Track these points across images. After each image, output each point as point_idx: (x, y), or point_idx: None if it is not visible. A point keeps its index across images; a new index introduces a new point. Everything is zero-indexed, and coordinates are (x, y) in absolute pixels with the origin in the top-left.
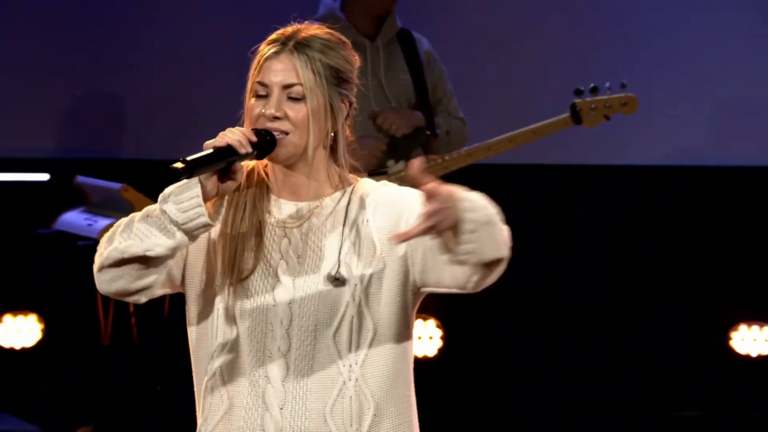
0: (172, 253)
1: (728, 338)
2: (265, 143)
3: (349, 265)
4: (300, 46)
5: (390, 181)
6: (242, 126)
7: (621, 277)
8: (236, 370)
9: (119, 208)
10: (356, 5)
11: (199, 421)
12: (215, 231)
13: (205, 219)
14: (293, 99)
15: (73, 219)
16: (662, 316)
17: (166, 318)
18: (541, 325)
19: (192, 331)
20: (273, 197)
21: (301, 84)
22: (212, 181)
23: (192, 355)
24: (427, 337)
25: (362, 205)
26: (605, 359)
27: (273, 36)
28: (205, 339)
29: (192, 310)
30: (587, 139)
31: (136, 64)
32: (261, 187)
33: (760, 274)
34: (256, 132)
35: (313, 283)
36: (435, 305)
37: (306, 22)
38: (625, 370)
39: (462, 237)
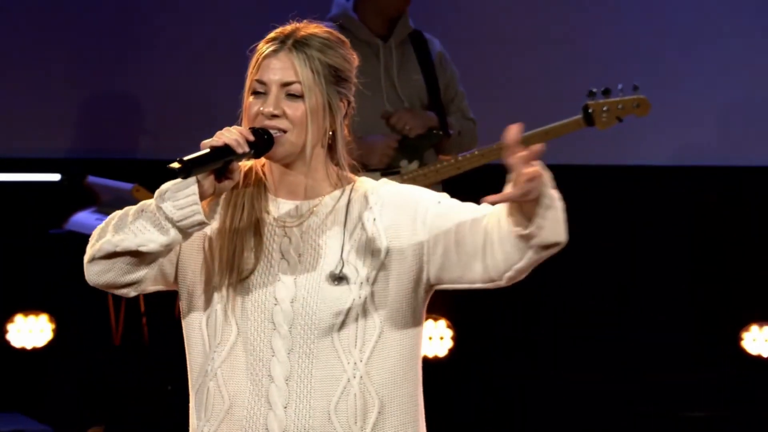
0: (165, 249)
1: (739, 338)
2: (262, 142)
3: (352, 263)
4: (299, 44)
5: (403, 180)
6: (241, 125)
7: (632, 277)
8: (236, 370)
9: None
10: (369, 6)
11: (194, 420)
12: (212, 230)
13: (200, 217)
14: (291, 97)
15: (85, 219)
16: (673, 316)
17: (177, 318)
18: (551, 326)
19: (187, 330)
20: (271, 196)
21: (299, 82)
22: (209, 180)
23: (187, 354)
24: (438, 338)
25: (365, 203)
26: (614, 360)
27: (272, 34)
28: (202, 338)
29: (187, 308)
30: (596, 139)
31: (147, 64)
32: (259, 187)
33: None
34: (254, 131)
35: (315, 281)
36: (446, 306)
37: (305, 20)
38: (635, 370)
39: (539, 211)
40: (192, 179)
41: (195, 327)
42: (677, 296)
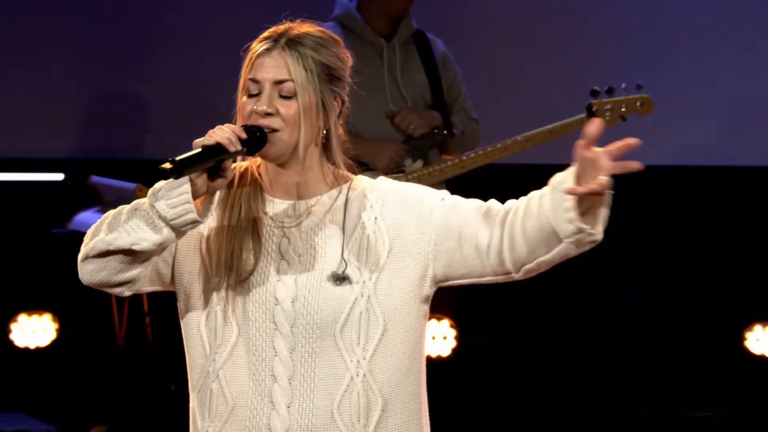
0: (158, 248)
1: (743, 338)
2: (255, 139)
3: (353, 263)
4: (292, 43)
5: (408, 180)
6: (236, 124)
7: (634, 277)
8: (238, 370)
9: None
10: (373, 6)
11: (197, 421)
12: (208, 230)
13: (193, 216)
14: (285, 96)
15: (88, 219)
16: (676, 316)
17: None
18: (553, 325)
19: (186, 331)
20: (267, 197)
21: (292, 80)
22: (202, 179)
23: (187, 355)
24: (441, 337)
25: (365, 202)
26: (616, 359)
27: (265, 34)
28: (201, 339)
29: (184, 309)
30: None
31: (151, 63)
32: (255, 187)
33: None
34: (246, 128)
35: (316, 281)
36: (448, 306)
37: (298, 20)
38: (637, 370)
39: (601, 209)
40: (185, 178)
41: (193, 328)
42: (679, 296)
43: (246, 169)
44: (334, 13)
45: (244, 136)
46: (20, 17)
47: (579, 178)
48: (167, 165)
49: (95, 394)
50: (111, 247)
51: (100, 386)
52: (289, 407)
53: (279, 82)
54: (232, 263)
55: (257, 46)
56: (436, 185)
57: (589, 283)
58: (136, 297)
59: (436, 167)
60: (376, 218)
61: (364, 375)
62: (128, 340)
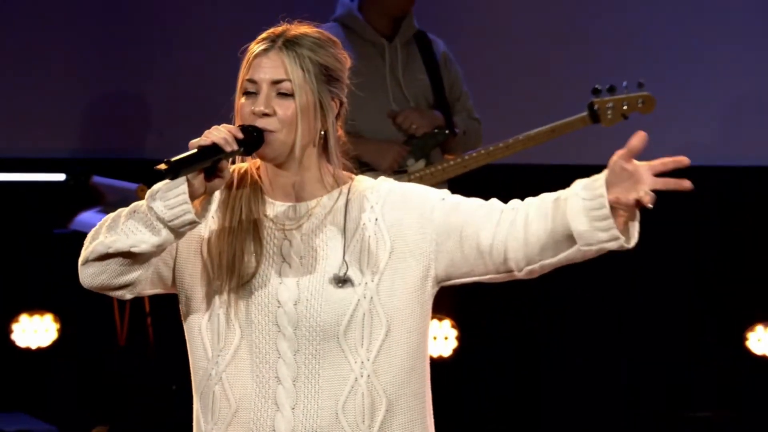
0: (157, 250)
1: (744, 338)
2: (252, 139)
3: (355, 264)
4: (289, 43)
5: (409, 179)
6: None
7: (635, 277)
8: (241, 373)
9: None
10: (374, 6)
11: (201, 423)
12: (209, 233)
13: (191, 216)
14: (282, 96)
15: (90, 219)
16: (677, 316)
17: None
18: (554, 325)
19: (188, 333)
20: (268, 199)
21: (289, 80)
22: (199, 179)
23: (190, 357)
24: (443, 338)
25: (365, 203)
26: (618, 359)
27: (263, 35)
28: (203, 342)
29: (186, 312)
30: (596, 139)
31: (153, 63)
32: (255, 189)
33: None
34: (243, 128)
35: (318, 283)
36: (450, 306)
37: (296, 21)
38: (639, 370)
39: (634, 221)
40: (182, 179)
41: (195, 331)
42: (680, 296)
43: (246, 171)
44: (336, 14)
45: (240, 136)
46: (21, 17)
47: (609, 187)
48: (162, 166)
49: (96, 395)
50: (110, 250)
51: (101, 386)
52: (293, 409)
53: (276, 82)
54: (234, 266)
55: (255, 47)
56: (438, 185)
57: (590, 283)
58: (138, 297)
59: (439, 167)
60: (376, 219)
61: (368, 376)
62: (129, 341)
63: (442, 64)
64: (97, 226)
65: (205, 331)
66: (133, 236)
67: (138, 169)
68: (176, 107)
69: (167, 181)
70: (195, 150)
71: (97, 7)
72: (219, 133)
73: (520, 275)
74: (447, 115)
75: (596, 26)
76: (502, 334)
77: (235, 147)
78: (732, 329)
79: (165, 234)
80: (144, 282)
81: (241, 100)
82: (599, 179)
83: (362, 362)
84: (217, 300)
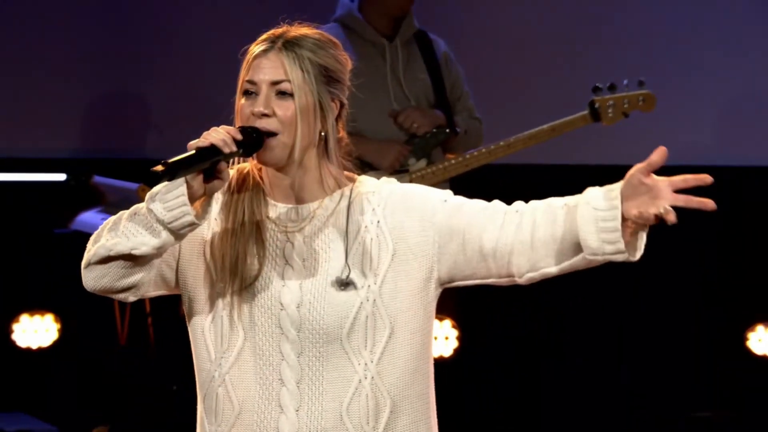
0: (157, 252)
1: (745, 339)
2: (251, 140)
3: (358, 267)
4: (289, 44)
5: (411, 178)
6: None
7: (635, 277)
8: (245, 375)
9: None
10: (374, 6)
11: (204, 425)
12: (211, 235)
13: (190, 218)
14: (282, 96)
15: (90, 219)
16: (678, 316)
17: (182, 319)
18: (555, 325)
19: (192, 335)
20: (270, 201)
21: (289, 81)
22: (198, 181)
23: (195, 359)
24: (443, 338)
25: (367, 205)
26: (618, 359)
27: (263, 36)
28: (206, 344)
29: (189, 314)
30: (596, 139)
31: (153, 63)
32: (257, 191)
33: None
34: (242, 129)
35: (321, 286)
36: (451, 306)
37: (296, 22)
38: (640, 369)
39: (642, 233)
40: (180, 180)
41: (198, 332)
42: (681, 296)
43: (248, 172)
44: (336, 14)
45: (239, 137)
46: (23, 17)
47: (624, 200)
48: (159, 167)
49: (97, 395)
50: (111, 253)
51: (102, 387)
52: (297, 411)
53: (276, 83)
54: (237, 268)
55: (254, 48)
56: (440, 184)
57: (590, 284)
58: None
59: (440, 166)
60: (378, 222)
61: (372, 378)
62: (130, 341)
63: (443, 63)
64: (99, 229)
65: (208, 333)
66: (133, 238)
67: (138, 169)
68: (176, 107)
69: (166, 182)
70: (192, 152)
71: (98, 7)
72: (217, 135)
73: (520, 281)
74: (448, 114)
75: (597, 26)
76: (502, 335)
77: (234, 148)
78: (732, 329)
79: (165, 236)
80: (147, 284)
81: (241, 101)
82: (615, 190)
83: (366, 364)
84: (220, 302)
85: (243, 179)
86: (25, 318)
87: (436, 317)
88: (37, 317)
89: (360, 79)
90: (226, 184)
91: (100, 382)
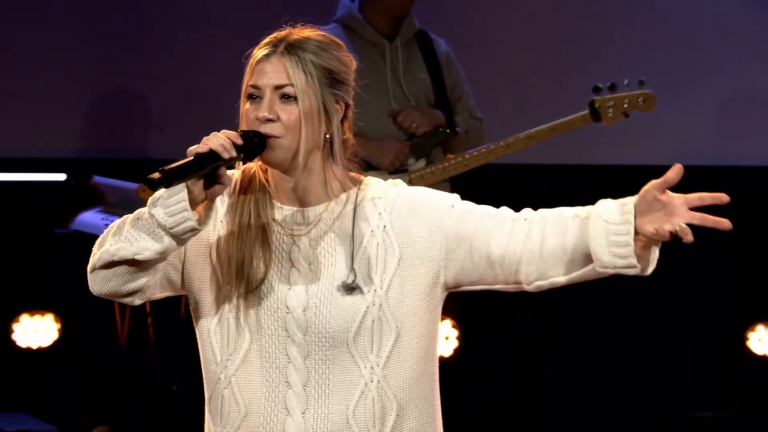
0: (160, 257)
1: (745, 338)
2: (252, 144)
3: (364, 272)
4: (291, 47)
5: (410, 178)
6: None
7: (636, 277)
8: (251, 377)
9: (136, 209)
10: (374, 6)
11: (210, 427)
12: (217, 237)
13: (191, 223)
14: (285, 100)
15: (90, 219)
16: (678, 316)
17: (183, 319)
18: (555, 325)
19: (200, 337)
20: (276, 204)
21: (292, 85)
22: (198, 186)
23: (202, 360)
24: (443, 338)
25: (373, 209)
26: (619, 360)
27: (265, 39)
28: (211, 346)
29: (196, 316)
30: (596, 139)
31: (154, 63)
32: (263, 194)
33: None
34: (243, 134)
35: (327, 290)
36: (450, 306)
37: (299, 24)
38: (640, 370)
39: (655, 248)
40: (181, 185)
41: (205, 334)
42: (681, 296)
43: (254, 173)
44: (337, 15)
45: (239, 142)
46: (24, 17)
47: (638, 215)
48: (155, 175)
49: (97, 395)
50: (115, 258)
51: (102, 386)
52: (304, 413)
53: (279, 87)
54: (243, 271)
55: (257, 52)
56: (439, 183)
57: (590, 284)
58: None
59: (439, 166)
60: (384, 226)
61: (378, 381)
62: (130, 341)
63: (443, 63)
64: (104, 233)
65: (214, 335)
66: (136, 243)
67: (138, 169)
68: (177, 107)
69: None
70: (191, 158)
71: (98, 6)
72: (217, 140)
73: (528, 288)
74: (448, 114)
75: (596, 26)
76: (502, 334)
77: (234, 154)
78: (732, 329)
79: (167, 241)
80: (153, 287)
81: (245, 106)
82: (629, 204)
83: (372, 368)
84: (226, 304)
85: (249, 181)
86: (25, 318)
87: None
88: (37, 317)
89: (361, 80)
90: (232, 186)
91: (100, 382)
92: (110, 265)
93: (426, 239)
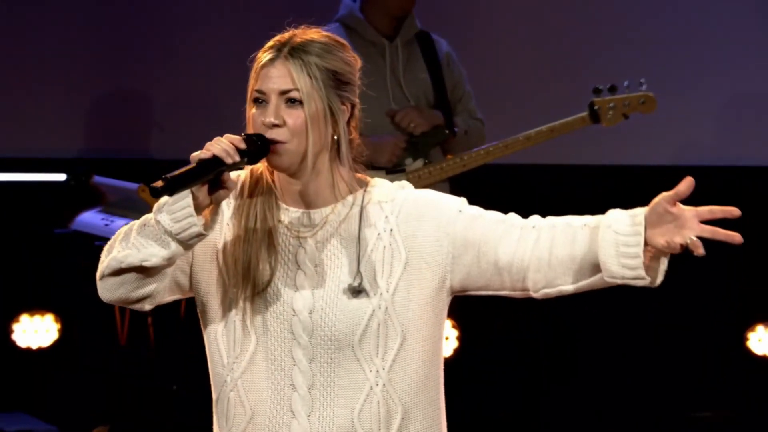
0: (168, 262)
1: (745, 339)
2: (256, 148)
3: (370, 275)
4: (295, 51)
5: (407, 179)
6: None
7: None
8: (257, 380)
9: (136, 209)
10: (375, 6)
11: (217, 428)
12: (224, 240)
13: (197, 229)
14: (291, 104)
15: (90, 219)
16: (678, 316)
17: (183, 319)
18: (555, 326)
19: (207, 340)
20: (283, 206)
21: (297, 89)
22: (203, 192)
23: (209, 363)
24: (443, 338)
25: (380, 212)
26: (619, 360)
27: (269, 43)
28: (218, 348)
29: (203, 318)
30: (596, 139)
31: (154, 63)
32: (270, 195)
33: None
34: (247, 137)
35: (333, 293)
36: (451, 306)
37: (303, 26)
38: (640, 370)
39: (664, 259)
40: (186, 191)
41: (212, 337)
42: (681, 296)
43: (260, 174)
44: (338, 14)
45: (242, 146)
46: (21, 17)
47: (648, 227)
48: (159, 183)
49: (97, 395)
50: (123, 265)
51: (102, 387)
52: (309, 416)
53: (284, 92)
54: (249, 274)
55: (262, 56)
56: (438, 184)
57: None
58: None
59: (437, 166)
60: (391, 230)
61: (384, 384)
62: (130, 341)
63: (444, 64)
64: (111, 240)
65: (221, 338)
66: (144, 250)
67: (139, 169)
68: (177, 107)
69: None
70: (194, 165)
71: (98, 6)
72: (220, 146)
73: (535, 296)
74: (447, 114)
75: (596, 26)
76: (502, 335)
77: (237, 158)
78: (732, 329)
79: (174, 247)
80: (162, 292)
81: (251, 110)
82: (639, 216)
83: (377, 371)
84: (233, 307)
85: (255, 182)
86: (25, 318)
87: None
88: (37, 317)
89: (363, 81)
90: (238, 187)
91: (100, 382)
92: (119, 272)
93: (433, 243)
